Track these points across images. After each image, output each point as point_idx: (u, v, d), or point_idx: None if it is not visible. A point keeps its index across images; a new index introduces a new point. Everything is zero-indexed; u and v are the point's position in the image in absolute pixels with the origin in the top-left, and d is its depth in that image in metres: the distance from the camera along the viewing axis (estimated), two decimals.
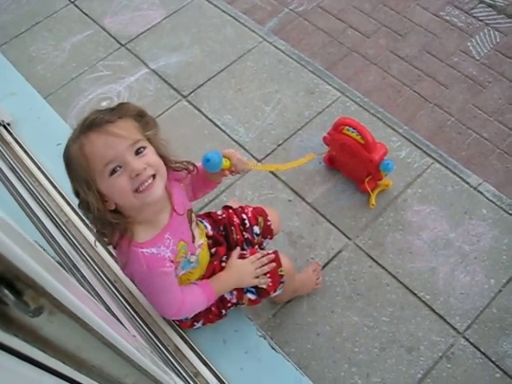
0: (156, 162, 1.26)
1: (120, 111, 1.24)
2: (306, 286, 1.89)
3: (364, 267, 1.97)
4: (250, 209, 1.73)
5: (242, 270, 1.56)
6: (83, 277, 1.24)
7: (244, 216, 1.70)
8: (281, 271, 1.61)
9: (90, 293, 1.09)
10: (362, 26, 2.78)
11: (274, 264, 1.58)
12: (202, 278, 1.60)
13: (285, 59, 2.57)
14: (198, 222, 1.57)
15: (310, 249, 2.03)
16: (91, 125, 1.19)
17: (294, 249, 2.03)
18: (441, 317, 1.83)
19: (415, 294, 1.89)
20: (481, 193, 2.09)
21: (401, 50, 2.67)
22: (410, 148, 2.24)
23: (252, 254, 1.62)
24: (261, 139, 2.33)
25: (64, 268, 1.16)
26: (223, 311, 1.64)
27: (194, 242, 1.47)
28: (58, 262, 1.30)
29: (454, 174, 2.15)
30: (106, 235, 1.31)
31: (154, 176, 1.23)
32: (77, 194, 1.25)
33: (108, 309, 1.09)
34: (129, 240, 1.29)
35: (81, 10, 2.88)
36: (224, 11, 2.79)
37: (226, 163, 1.40)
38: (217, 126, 2.38)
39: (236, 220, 1.69)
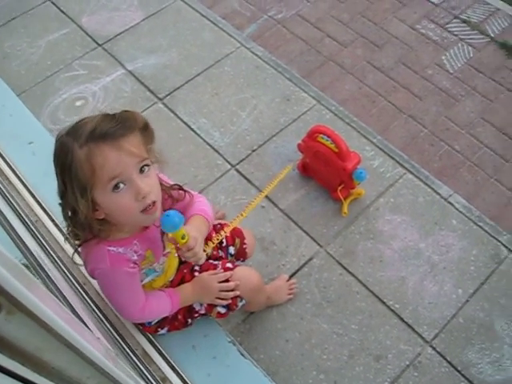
0: (157, 185, 1.27)
1: (130, 123, 1.20)
2: (279, 293, 1.90)
3: (334, 275, 1.97)
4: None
5: (208, 287, 1.55)
6: (48, 277, 1.22)
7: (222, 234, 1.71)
8: (240, 301, 1.63)
9: (54, 293, 1.07)
10: (340, 36, 2.80)
11: (237, 293, 1.57)
12: (168, 285, 1.59)
13: (262, 65, 2.58)
14: None
15: (281, 255, 2.03)
16: (105, 136, 1.14)
17: (266, 255, 2.03)
18: (409, 326, 1.85)
19: (384, 303, 1.90)
20: (451, 204, 2.12)
21: (377, 61, 2.70)
22: (383, 158, 2.26)
23: (224, 265, 1.62)
24: (235, 144, 2.33)
25: (28, 268, 1.13)
26: (189, 320, 1.64)
27: (164, 251, 1.46)
28: (22, 263, 1.27)
29: (426, 184, 2.18)
30: (79, 237, 1.29)
31: (154, 202, 1.23)
32: (62, 196, 1.21)
33: (73, 310, 1.07)
34: (99, 239, 1.28)
35: (58, 8, 2.84)
36: (203, 15, 2.79)
37: (181, 238, 1.25)
38: (192, 129, 2.37)
39: (213, 236, 1.70)
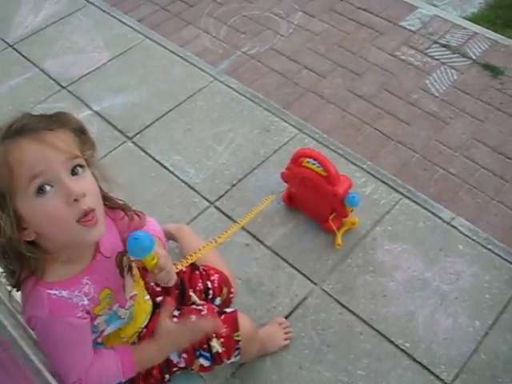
0: (95, 190, 1.03)
1: (59, 120, 1.02)
2: (273, 339, 1.66)
3: (333, 315, 1.74)
4: (216, 276, 1.51)
5: (176, 339, 1.23)
6: None
7: (209, 284, 1.48)
8: (236, 336, 1.36)
9: None
10: (317, 67, 2.68)
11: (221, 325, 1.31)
12: (142, 333, 1.33)
13: (237, 98, 2.43)
14: (135, 268, 1.29)
15: (271, 297, 1.80)
16: (23, 129, 0.95)
17: (254, 297, 1.80)
18: (424, 367, 1.61)
19: (393, 342, 1.66)
20: (455, 228, 1.93)
21: (358, 89, 2.57)
22: (375, 184, 2.08)
23: (210, 309, 1.38)
24: (213, 180, 2.13)
25: None
26: (166, 376, 1.35)
27: (124, 292, 1.21)
28: None
29: (425, 209, 1.99)
30: (13, 273, 1.03)
31: (92, 210, 0.99)
32: None
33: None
34: (36, 278, 1.02)
35: (20, 54, 2.70)
36: (173, 52, 2.66)
37: (151, 260, 1.06)
38: (165, 167, 2.18)
39: (200, 285, 1.47)
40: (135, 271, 1.24)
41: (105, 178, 1.10)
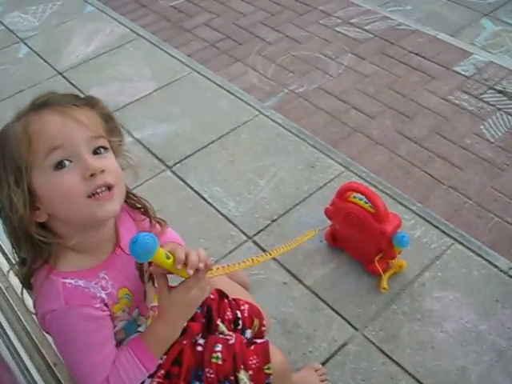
0: (117, 170, 0.97)
1: (87, 100, 0.99)
2: None
3: (375, 364, 1.58)
4: (246, 306, 1.38)
5: (182, 306, 1.03)
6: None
7: (239, 314, 1.35)
8: (267, 368, 1.21)
9: None
10: (366, 108, 2.60)
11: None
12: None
13: (282, 132, 2.36)
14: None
15: (307, 340, 1.66)
16: (46, 103, 0.93)
17: (289, 339, 1.66)
18: None
19: None
20: None
21: (408, 131, 2.46)
22: (425, 227, 1.94)
23: (238, 339, 1.25)
24: (253, 214, 2.04)
25: None
26: None
27: (145, 299, 1.11)
28: None
29: (479, 256, 1.83)
30: (25, 263, 0.95)
31: (110, 188, 0.93)
32: None
33: None
34: (49, 268, 0.94)
35: (68, 81, 2.73)
36: (219, 85, 2.63)
37: (165, 260, 0.93)
38: (203, 198, 2.10)
39: (228, 315, 1.34)
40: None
41: (131, 167, 1.05)
